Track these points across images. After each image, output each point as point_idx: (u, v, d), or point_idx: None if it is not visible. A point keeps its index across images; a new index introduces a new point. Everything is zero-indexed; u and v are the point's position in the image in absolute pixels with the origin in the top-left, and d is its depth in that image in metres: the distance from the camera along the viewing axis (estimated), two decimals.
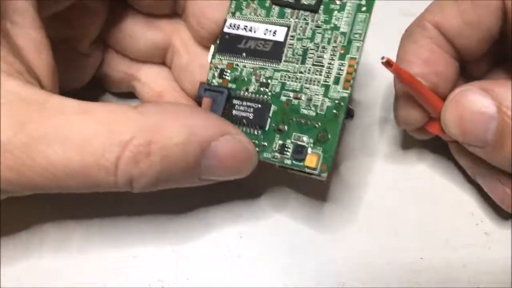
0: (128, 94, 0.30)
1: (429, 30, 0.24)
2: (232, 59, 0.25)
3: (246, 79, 0.24)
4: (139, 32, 0.27)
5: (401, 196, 0.28)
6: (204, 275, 0.26)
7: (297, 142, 0.22)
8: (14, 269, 0.25)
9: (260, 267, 0.26)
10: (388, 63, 0.21)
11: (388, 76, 0.27)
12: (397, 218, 0.27)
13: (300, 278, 0.26)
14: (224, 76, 0.25)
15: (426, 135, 0.26)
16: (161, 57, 0.28)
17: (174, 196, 0.26)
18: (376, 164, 0.29)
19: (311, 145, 0.22)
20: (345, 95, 0.22)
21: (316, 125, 0.22)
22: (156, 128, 0.19)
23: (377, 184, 0.28)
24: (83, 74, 0.28)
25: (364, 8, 0.22)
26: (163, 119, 0.20)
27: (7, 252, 0.26)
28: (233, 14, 0.25)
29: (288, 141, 0.22)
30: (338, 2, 0.23)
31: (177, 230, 0.27)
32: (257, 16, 0.24)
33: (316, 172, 0.22)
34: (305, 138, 0.22)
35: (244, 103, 0.24)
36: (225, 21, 0.25)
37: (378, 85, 0.30)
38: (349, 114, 0.22)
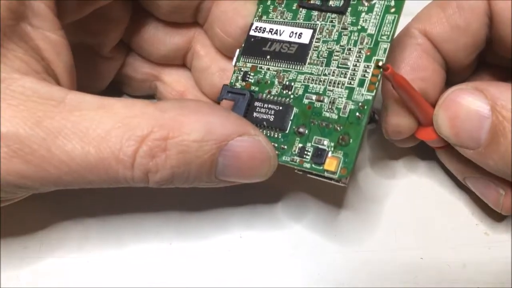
0: (146, 98, 0.30)
1: (416, 37, 0.24)
2: (256, 61, 0.24)
3: (269, 81, 0.24)
4: (160, 37, 0.27)
5: (401, 196, 0.27)
6: (204, 275, 0.26)
7: (317, 145, 0.21)
8: (14, 269, 0.25)
9: (260, 267, 0.26)
10: (385, 68, 0.20)
11: None
12: (397, 218, 0.27)
13: (300, 278, 0.26)
14: (247, 79, 0.24)
15: (409, 143, 0.26)
16: (181, 60, 0.28)
17: (174, 196, 0.26)
18: (376, 166, 0.29)
19: (332, 148, 0.21)
20: (369, 97, 0.21)
21: (338, 128, 0.21)
22: (174, 123, 0.19)
23: (377, 184, 0.28)
24: (104, 77, 0.28)
25: (393, 10, 0.21)
26: (181, 115, 0.20)
27: (7, 252, 0.26)
28: (260, 17, 0.25)
29: (309, 144, 0.22)
30: (366, 4, 0.22)
31: (177, 230, 0.27)
32: (284, 19, 0.24)
33: (336, 176, 0.20)
34: (325, 142, 0.21)
35: (266, 105, 0.23)
36: (251, 24, 0.25)
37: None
38: (373, 119, 0.21)
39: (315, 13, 0.23)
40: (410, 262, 0.26)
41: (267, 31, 0.24)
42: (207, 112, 0.20)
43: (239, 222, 0.27)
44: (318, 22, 0.23)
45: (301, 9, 0.24)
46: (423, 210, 0.27)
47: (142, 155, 0.19)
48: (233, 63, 0.25)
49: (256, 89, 0.24)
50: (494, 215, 0.26)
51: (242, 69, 0.25)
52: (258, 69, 0.24)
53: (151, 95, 0.30)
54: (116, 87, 0.29)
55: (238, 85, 0.25)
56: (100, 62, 0.27)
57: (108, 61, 0.27)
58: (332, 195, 0.27)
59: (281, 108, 0.23)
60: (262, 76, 0.24)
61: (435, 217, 0.27)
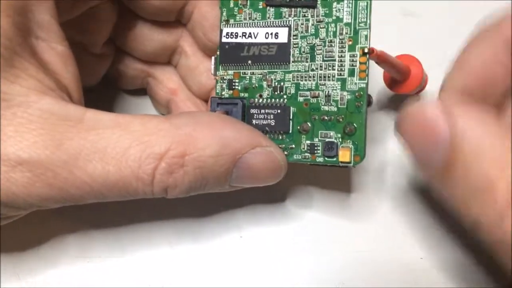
0: (140, 92, 0.30)
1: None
2: (237, 68, 0.24)
3: (257, 85, 0.24)
4: (147, 35, 0.27)
5: (401, 196, 0.28)
6: (204, 275, 0.26)
7: (325, 139, 0.23)
8: (14, 269, 0.26)
9: (260, 267, 0.27)
10: (370, 52, 0.22)
11: None
12: (397, 217, 0.28)
13: (300, 278, 0.26)
14: (234, 87, 0.25)
15: None
16: (168, 58, 0.28)
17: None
18: (375, 165, 0.29)
19: (340, 139, 0.22)
20: (363, 85, 0.22)
21: (340, 119, 0.22)
22: (190, 139, 0.20)
23: (377, 184, 0.28)
24: (94, 74, 0.28)
25: None
26: (196, 131, 0.20)
27: (7, 252, 0.26)
28: (227, 22, 0.25)
29: (316, 139, 0.23)
30: None
31: (177, 230, 0.27)
32: (253, 20, 0.24)
33: (351, 165, 0.22)
34: (332, 133, 0.23)
35: (262, 110, 0.24)
36: (221, 31, 0.25)
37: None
38: (368, 101, 0.23)
39: (284, 9, 0.24)
40: (410, 262, 0.26)
41: (240, 36, 0.24)
42: (220, 126, 0.21)
43: (239, 222, 0.28)
44: (290, 19, 0.23)
45: (268, 7, 0.24)
46: (423, 210, 0.27)
47: (161, 172, 0.20)
48: (212, 71, 0.25)
49: (246, 95, 0.24)
50: None
51: (225, 77, 0.25)
52: (241, 75, 0.24)
53: (144, 89, 0.30)
54: (110, 82, 0.29)
55: (225, 94, 0.25)
56: (90, 59, 0.27)
57: (98, 58, 0.27)
58: (333, 195, 0.28)
59: (278, 111, 0.23)
60: (248, 81, 0.24)
61: (435, 216, 0.27)
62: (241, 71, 0.24)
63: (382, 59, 0.23)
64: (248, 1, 0.24)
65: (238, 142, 0.21)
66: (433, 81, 0.30)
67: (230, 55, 0.24)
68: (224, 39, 0.25)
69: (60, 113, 0.19)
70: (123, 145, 0.19)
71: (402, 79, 0.27)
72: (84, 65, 0.26)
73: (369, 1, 0.22)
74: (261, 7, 0.24)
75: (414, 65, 0.27)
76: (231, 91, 0.25)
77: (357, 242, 0.27)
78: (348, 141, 0.22)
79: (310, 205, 0.28)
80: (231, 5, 0.25)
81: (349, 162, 0.22)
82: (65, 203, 0.20)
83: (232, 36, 0.24)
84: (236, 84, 0.25)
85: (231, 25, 0.25)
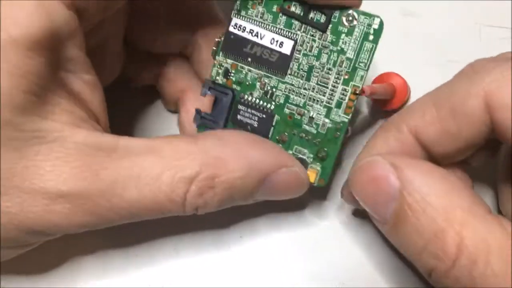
0: (151, 91, 0.30)
1: (404, 133, 0.23)
2: (237, 60, 0.25)
3: (250, 83, 0.25)
4: (162, 28, 0.27)
5: None
6: (204, 274, 0.27)
7: (297, 154, 0.25)
8: (14, 269, 0.26)
9: (259, 267, 0.27)
10: (361, 92, 0.23)
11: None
12: None
13: (300, 278, 0.27)
14: (229, 76, 0.26)
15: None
16: (182, 49, 0.29)
17: None
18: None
19: (311, 159, 0.24)
20: (346, 120, 0.24)
21: (317, 143, 0.24)
22: (219, 162, 0.21)
23: None
24: (114, 72, 0.28)
25: (371, 37, 0.23)
26: (224, 153, 0.22)
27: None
28: (239, 12, 0.25)
29: (290, 152, 0.25)
30: (346, 24, 0.23)
31: (177, 230, 0.28)
32: (264, 20, 0.25)
33: (315, 185, 0.24)
34: (305, 151, 0.24)
35: (249, 110, 0.25)
36: (230, 19, 0.25)
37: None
38: (346, 132, 0.25)
39: (296, 22, 0.24)
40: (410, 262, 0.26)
41: (247, 31, 0.25)
42: (247, 148, 0.23)
43: (239, 222, 0.28)
44: (298, 33, 0.24)
45: (281, 14, 0.24)
46: None
47: (192, 195, 0.21)
48: (211, 53, 0.26)
49: (238, 88, 0.26)
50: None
51: (223, 64, 0.26)
52: (239, 68, 0.25)
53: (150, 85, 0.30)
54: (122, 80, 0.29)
55: (219, 80, 0.26)
56: (110, 58, 0.27)
57: (118, 55, 0.28)
58: (333, 194, 0.28)
59: (264, 116, 0.25)
60: (243, 76, 0.25)
61: None
62: (239, 64, 0.25)
63: (371, 95, 0.24)
64: (264, 0, 0.24)
65: (264, 164, 0.22)
66: (431, 81, 0.29)
67: (233, 46, 0.25)
68: (231, 28, 0.25)
69: (94, 144, 0.20)
70: (156, 171, 0.20)
71: (389, 98, 0.28)
72: (105, 64, 0.26)
73: (375, 45, 0.23)
74: (274, 10, 0.24)
75: (397, 81, 0.29)
76: (225, 79, 0.26)
77: (357, 242, 0.27)
78: (318, 164, 0.24)
79: (310, 205, 0.28)
80: None
81: (313, 183, 0.24)
82: (102, 227, 0.21)
83: (239, 29, 0.25)
84: (232, 74, 0.25)
85: (242, 17, 0.25)
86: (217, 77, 0.26)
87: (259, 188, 0.23)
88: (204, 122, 0.26)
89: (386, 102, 0.29)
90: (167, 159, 0.21)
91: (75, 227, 0.20)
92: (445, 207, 0.19)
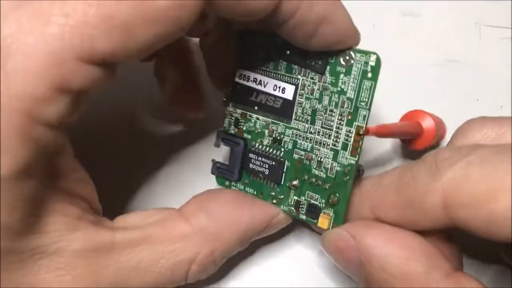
0: None
1: (365, 212, 0.23)
2: (245, 109, 0.25)
3: (260, 131, 0.25)
4: None
5: None
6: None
7: (310, 200, 0.24)
8: None
9: (259, 267, 0.28)
10: (366, 133, 0.22)
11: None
12: None
13: (300, 278, 0.27)
14: (239, 126, 0.26)
15: None
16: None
17: (174, 195, 0.28)
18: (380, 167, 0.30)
19: (323, 205, 0.24)
20: (353, 162, 0.23)
21: (327, 187, 0.23)
22: (214, 238, 0.23)
23: None
24: None
25: (369, 75, 0.22)
26: (217, 228, 0.23)
27: None
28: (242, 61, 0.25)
29: (302, 198, 0.24)
30: (343, 64, 0.22)
31: None
32: (266, 67, 0.25)
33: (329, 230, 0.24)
34: (317, 197, 0.24)
35: (260, 158, 0.25)
36: (236, 70, 0.25)
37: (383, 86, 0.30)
38: (358, 173, 0.24)
39: (295, 66, 0.24)
40: None
41: (251, 80, 0.25)
42: (237, 215, 0.24)
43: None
44: (299, 77, 0.24)
45: (281, 60, 0.24)
46: None
47: (194, 273, 0.23)
48: (223, 103, 0.26)
49: (249, 137, 0.26)
50: None
51: (233, 114, 0.26)
52: (248, 117, 0.26)
53: None
54: None
55: (232, 130, 0.26)
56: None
57: None
58: None
59: (274, 163, 0.25)
60: (252, 124, 0.25)
61: None
62: (248, 112, 0.25)
63: (381, 135, 0.23)
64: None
65: (255, 224, 0.24)
66: (432, 82, 0.30)
67: (240, 95, 0.25)
68: (237, 79, 0.25)
69: (92, 247, 0.20)
70: (154, 257, 0.22)
71: (415, 137, 0.27)
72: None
73: (374, 83, 0.22)
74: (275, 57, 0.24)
75: (424, 119, 0.27)
76: (236, 129, 0.26)
77: None
78: (331, 209, 0.23)
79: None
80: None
81: (327, 229, 0.23)
82: None
83: (244, 78, 0.25)
84: (242, 124, 0.26)
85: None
86: (230, 128, 0.26)
87: (252, 239, 0.24)
88: (222, 173, 0.26)
89: (411, 142, 0.27)
90: (164, 245, 0.22)
91: None
92: (403, 274, 0.20)
